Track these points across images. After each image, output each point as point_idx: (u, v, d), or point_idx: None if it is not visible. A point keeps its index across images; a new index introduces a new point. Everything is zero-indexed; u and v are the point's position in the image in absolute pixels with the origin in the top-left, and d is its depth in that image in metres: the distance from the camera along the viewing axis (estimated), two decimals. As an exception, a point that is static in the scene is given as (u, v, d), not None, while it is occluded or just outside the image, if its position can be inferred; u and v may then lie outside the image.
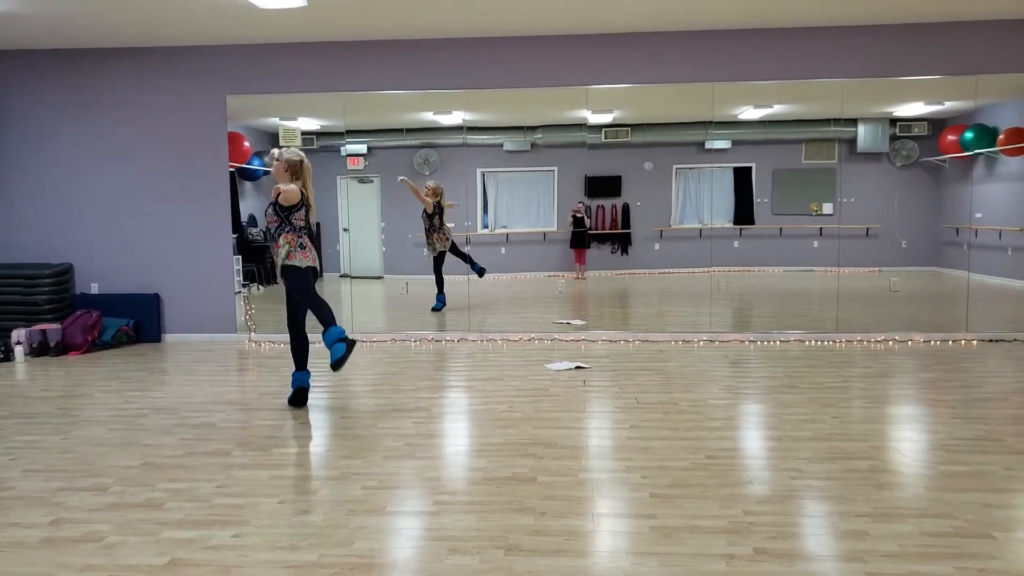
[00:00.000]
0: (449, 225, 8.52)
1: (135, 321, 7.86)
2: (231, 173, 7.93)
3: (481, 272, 8.47)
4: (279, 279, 5.24)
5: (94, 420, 5.04)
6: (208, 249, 7.92)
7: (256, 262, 8.56)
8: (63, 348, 7.35)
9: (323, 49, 7.62)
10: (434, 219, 8.44)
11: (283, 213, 5.17)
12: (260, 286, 8.59)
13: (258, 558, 3.00)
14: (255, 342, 7.82)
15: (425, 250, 8.57)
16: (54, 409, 5.35)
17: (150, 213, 7.92)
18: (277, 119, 8.28)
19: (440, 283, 8.53)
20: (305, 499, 3.61)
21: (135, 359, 7.10)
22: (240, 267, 8.16)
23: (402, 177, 8.32)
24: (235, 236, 8.05)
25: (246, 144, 8.21)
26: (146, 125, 7.85)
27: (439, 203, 8.44)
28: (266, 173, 8.63)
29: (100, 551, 3.08)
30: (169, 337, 8.00)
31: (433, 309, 8.51)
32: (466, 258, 8.49)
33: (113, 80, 7.82)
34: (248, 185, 8.59)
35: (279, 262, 5.17)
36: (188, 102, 7.80)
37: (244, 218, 8.47)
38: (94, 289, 8.00)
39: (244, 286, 8.24)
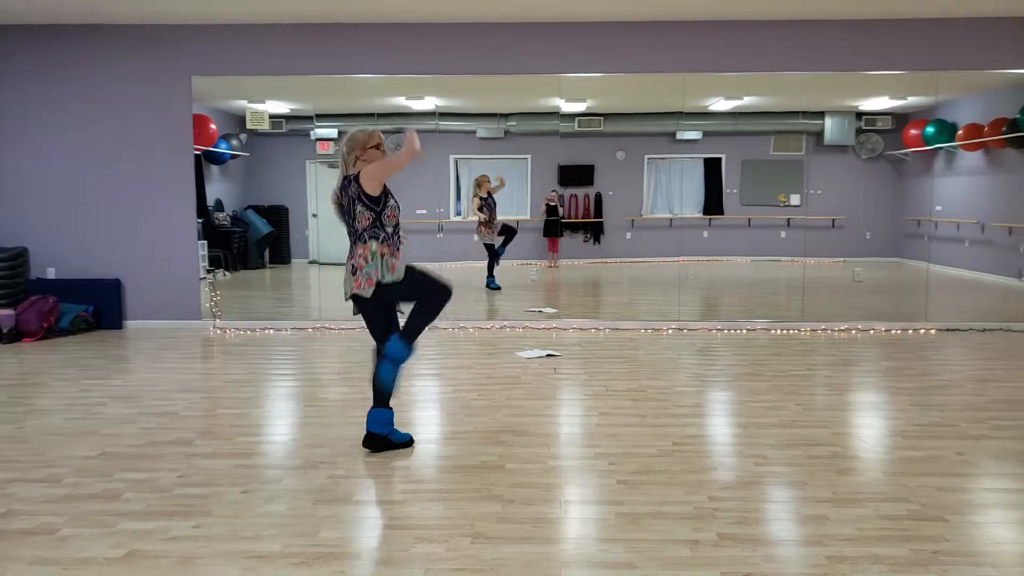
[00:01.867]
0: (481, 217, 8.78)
1: (95, 307, 7.69)
2: (197, 156, 7.79)
3: (493, 286, 8.79)
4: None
5: (49, 409, 4.93)
6: (172, 234, 7.77)
7: (222, 247, 8.43)
8: (17, 335, 7.15)
9: (293, 31, 7.49)
10: (483, 210, 8.70)
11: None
12: (226, 272, 8.47)
13: (220, 549, 2.95)
14: (220, 329, 7.71)
15: (476, 236, 8.78)
16: (7, 398, 5.21)
17: (111, 196, 7.74)
18: (245, 101, 8.15)
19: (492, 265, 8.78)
20: (270, 488, 3.56)
21: (94, 346, 6.97)
22: (206, 252, 8.04)
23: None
24: (200, 221, 7.91)
25: (212, 127, 8.07)
26: (108, 105, 7.66)
27: (487, 194, 8.69)
28: (233, 156, 8.50)
29: (53, 544, 3.00)
30: (131, 324, 7.85)
31: (494, 287, 8.77)
32: (495, 262, 8.79)
33: (72, 57, 7.61)
34: (215, 169, 8.45)
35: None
36: (152, 82, 7.62)
37: (210, 202, 8.32)
38: (51, 274, 7.81)
39: (209, 272, 8.11)
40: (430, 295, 3.96)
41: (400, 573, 2.75)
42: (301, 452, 4.06)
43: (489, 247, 8.77)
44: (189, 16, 7.28)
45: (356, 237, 3.93)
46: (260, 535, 3.06)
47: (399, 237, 4.01)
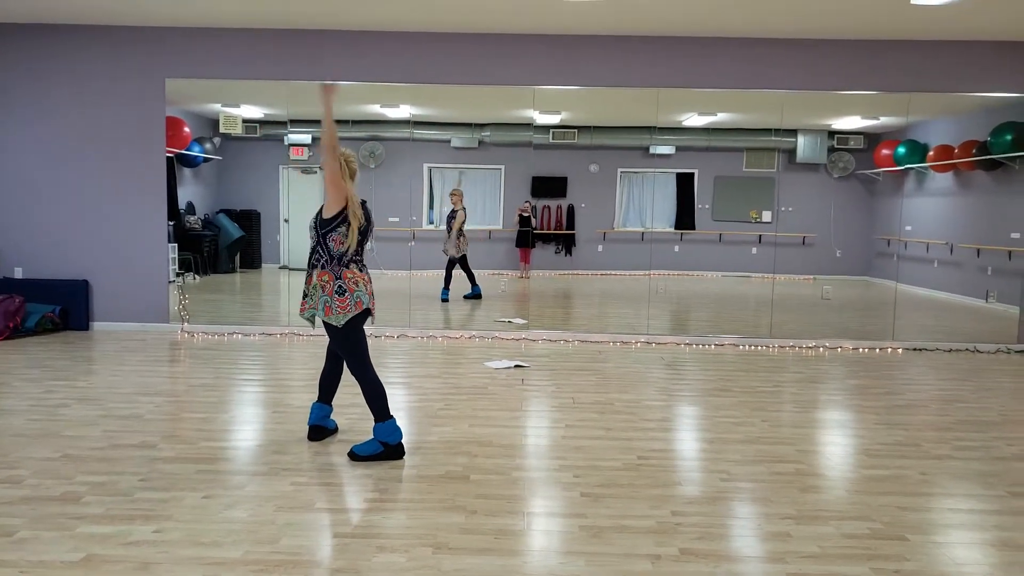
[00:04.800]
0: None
1: (62, 308, 7.58)
2: (169, 159, 7.72)
3: (476, 295, 8.82)
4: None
5: (12, 410, 4.85)
6: (142, 236, 7.68)
7: (192, 251, 8.36)
8: (-17, 334, 7.05)
9: (269, 35, 7.47)
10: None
11: (320, 229, 4.02)
12: (196, 275, 8.39)
13: (179, 554, 2.92)
14: (188, 332, 7.63)
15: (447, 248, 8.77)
16: (-30, 397, 5.13)
17: (81, 196, 7.65)
18: (219, 105, 8.10)
19: (448, 279, 8.73)
20: (232, 494, 3.53)
21: (60, 347, 6.86)
22: (176, 255, 7.96)
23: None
24: (171, 223, 7.84)
25: (186, 130, 8.00)
26: (80, 105, 7.57)
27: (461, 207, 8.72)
28: (206, 160, 8.44)
29: (10, 546, 2.96)
30: (98, 325, 7.74)
31: (442, 299, 8.77)
32: (471, 276, 8.80)
33: (46, 57, 7.53)
34: (187, 172, 8.38)
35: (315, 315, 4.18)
36: (126, 83, 7.56)
37: (182, 205, 8.26)
38: (18, 274, 7.69)
39: (179, 275, 8.03)
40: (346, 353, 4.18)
41: (360, 583, 2.74)
42: (264, 458, 4.02)
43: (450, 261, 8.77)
44: (164, 18, 7.22)
45: (353, 259, 4.08)
46: (220, 541, 3.03)
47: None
